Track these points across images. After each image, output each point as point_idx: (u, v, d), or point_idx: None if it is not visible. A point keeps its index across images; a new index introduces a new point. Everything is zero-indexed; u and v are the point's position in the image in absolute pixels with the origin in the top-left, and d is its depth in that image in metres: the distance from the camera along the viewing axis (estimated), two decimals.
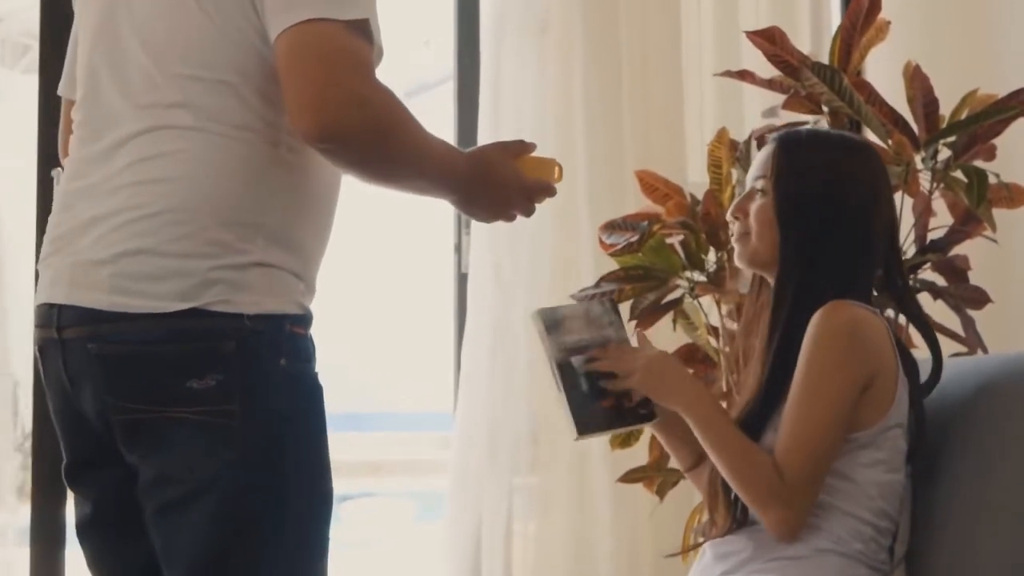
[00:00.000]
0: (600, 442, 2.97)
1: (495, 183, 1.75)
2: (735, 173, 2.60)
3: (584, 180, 3.11)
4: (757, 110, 3.18)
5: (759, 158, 2.09)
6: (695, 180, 3.21)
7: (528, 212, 1.81)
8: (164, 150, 1.60)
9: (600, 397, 1.98)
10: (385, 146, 1.58)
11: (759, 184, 2.06)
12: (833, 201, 2.01)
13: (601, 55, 3.15)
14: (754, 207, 2.06)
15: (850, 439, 1.93)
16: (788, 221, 2.01)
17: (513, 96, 3.11)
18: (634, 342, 2.06)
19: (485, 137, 3.09)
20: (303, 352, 1.65)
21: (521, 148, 1.82)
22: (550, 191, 1.82)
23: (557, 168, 1.81)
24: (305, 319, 1.66)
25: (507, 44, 3.15)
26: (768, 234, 2.02)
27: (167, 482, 1.60)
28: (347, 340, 4.94)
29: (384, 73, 1.62)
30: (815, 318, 1.93)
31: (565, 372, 1.95)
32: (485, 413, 3.10)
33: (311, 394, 1.65)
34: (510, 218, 1.81)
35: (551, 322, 1.98)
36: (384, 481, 5.69)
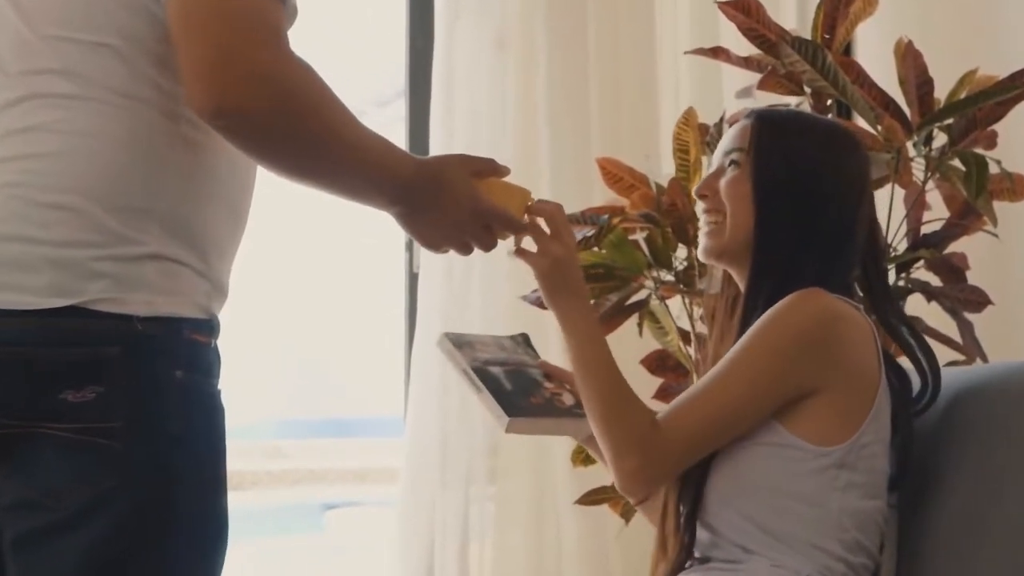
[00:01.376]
0: (564, 454, 2.71)
1: (447, 201, 1.53)
2: (704, 160, 2.33)
3: (546, 170, 2.85)
4: (734, 91, 2.90)
5: (732, 131, 1.84)
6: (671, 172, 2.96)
7: (486, 244, 1.60)
8: (37, 122, 1.39)
9: (528, 395, 1.80)
10: (292, 129, 1.38)
11: (733, 156, 1.82)
12: (818, 192, 1.77)
13: (566, 32, 2.88)
14: (724, 182, 1.81)
15: (819, 455, 1.67)
16: (767, 203, 1.78)
17: (467, 75, 2.85)
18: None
19: (437, 120, 2.84)
20: (204, 364, 1.45)
21: (488, 167, 1.60)
22: (514, 226, 1.61)
23: (528, 201, 1.64)
24: (209, 325, 1.46)
25: (463, 22, 2.89)
26: (742, 214, 1.79)
27: (30, 509, 1.37)
28: (327, 342, 4.77)
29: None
30: (784, 299, 1.69)
31: (483, 374, 1.77)
32: (437, 420, 2.88)
33: (210, 413, 1.46)
34: (463, 248, 1.60)
35: (460, 342, 1.81)
36: (371, 489, 5.47)
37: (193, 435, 1.42)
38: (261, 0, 1.34)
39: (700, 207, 1.85)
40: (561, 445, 2.80)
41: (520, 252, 1.72)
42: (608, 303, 2.39)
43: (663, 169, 2.97)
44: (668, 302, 2.46)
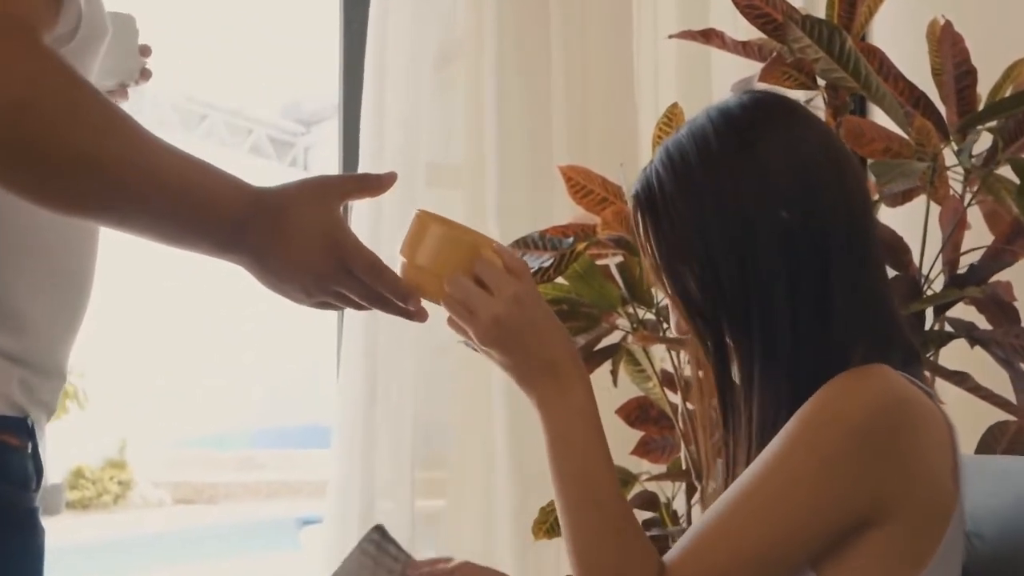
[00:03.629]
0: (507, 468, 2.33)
1: (293, 239, 1.14)
2: None
3: (493, 181, 2.36)
4: (729, 84, 2.43)
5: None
6: None
7: (365, 297, 1.18)
8: None
9: None
10: (34, 148, 1.06)
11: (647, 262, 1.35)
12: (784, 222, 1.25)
13: (522, 9, 2.40)
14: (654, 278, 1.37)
15: None
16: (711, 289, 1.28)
17: (404, 69, 2.37)
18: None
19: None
20: (16, 473, 1.22)
21: (356, 187, 1.22)
22: (383, 279, 1.16)
23: (480, 253, 1.20)
24: (21, 425, 1.23)
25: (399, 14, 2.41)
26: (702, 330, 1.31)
27: None
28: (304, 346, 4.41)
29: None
30: (835, 383, 1.19)
31: None
32: (366, 429, 2.48)
33: (25, 536, 1.23)
34: (335, 299, 1.19)
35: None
36: None
37: (2, 564, 1.19)
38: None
39: None
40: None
41: (450, 323, 1.24)
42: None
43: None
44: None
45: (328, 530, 2.53)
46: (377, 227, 2.41)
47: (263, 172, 12.97)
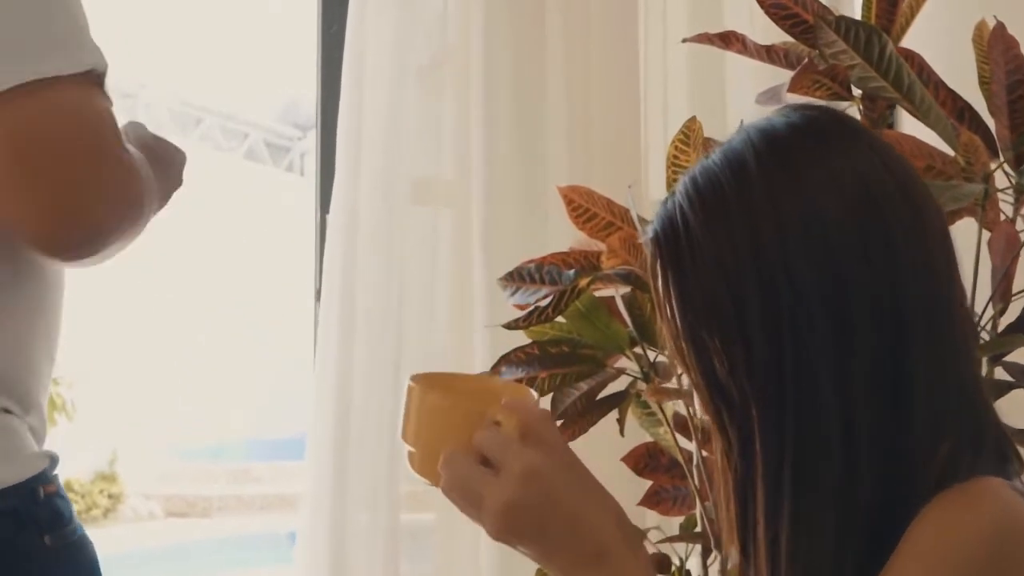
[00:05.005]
0: None
1: None
2: None
3: (481, 197, 2.12)
4: (747, 96, 2.19)
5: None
6: (660, 191, 2.27)
7: None
8: None
9: None
10: (136, 229, 1.26)
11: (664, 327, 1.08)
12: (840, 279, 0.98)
13: (518, 12, 2.16)
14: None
15: None
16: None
17: (385, 70, 2.14)
18: None
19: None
20: (64, 515, 1.32)
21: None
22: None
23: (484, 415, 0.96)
24: (53, 468, 1.33)
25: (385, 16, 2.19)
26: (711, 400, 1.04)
27: None
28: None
29: None
30: (939, 512, 0.93)
31: None
32: (336, 439, 2.25)
33: (88, 564, 1.34)
34: None
35: None
36: None
37: None
38: (97, 123, 1.16)
39: None
40: None
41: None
42: (573, 395, 1.68)
43: (651, 194, 2.28)
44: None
45: (300, 545, 2.33)
46: (352, 248, 2.18)
47: (259, 177, 12.77)
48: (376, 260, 2.17)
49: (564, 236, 2.00)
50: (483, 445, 0.94)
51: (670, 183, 1.62)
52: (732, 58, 1.96)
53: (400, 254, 2.21)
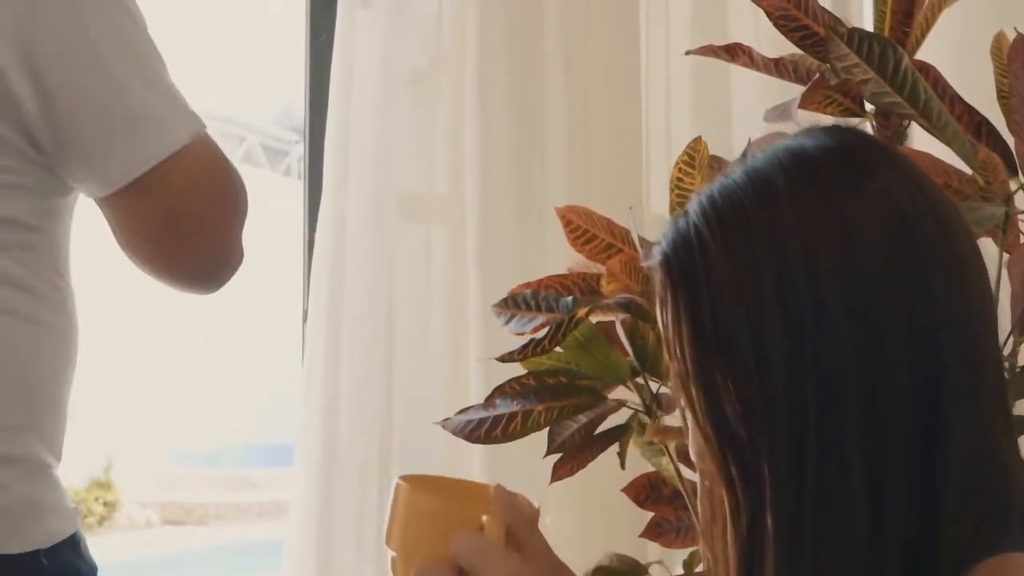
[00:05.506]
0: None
1: None
2: None
3: (475, 214, 2.04)
4: (753, 109, 2.10)
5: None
6: (660, 212, 2.19)
7: None
8: None
9: None
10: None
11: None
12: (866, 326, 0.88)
13: (514, 24, 2.07)
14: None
15: None
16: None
17: (374, 86, 2.06)
18: None
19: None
20: (92, 562, 1.37)
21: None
22: None
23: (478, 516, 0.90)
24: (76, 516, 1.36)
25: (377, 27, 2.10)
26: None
27: None
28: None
29: None
30: None
31: None
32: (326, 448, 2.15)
33: None
34: None
35: None
36: None
37: None
38: (222, 169, 1.28)
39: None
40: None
41: None
42: (571, 428, 1.59)
43: (653, 209, 2.20)
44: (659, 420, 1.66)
45: (287, 554, 2.26)
46: (340, 268, 2.09)
47: (256, 181, 12.69)
48: (365, 280, 2.08)
49: (562, 254, 1.91)
50: (461, 554, 0.87)
51: (674, 207, 1.53)
52: (736, 71, 1.88)
53: (390, 274, 2.11)
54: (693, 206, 0.93)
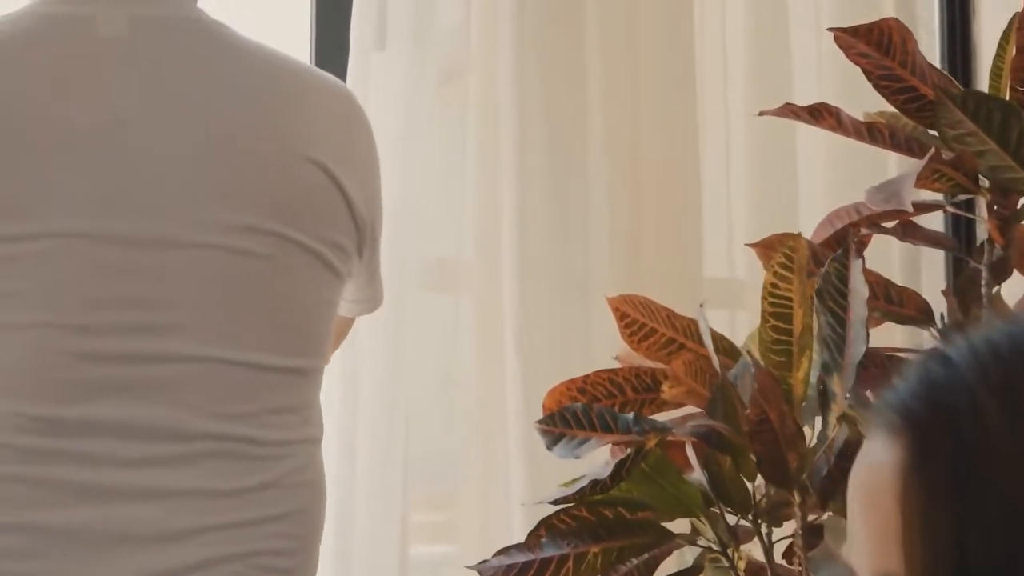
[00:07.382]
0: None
1: None
2: (816, 322, 1.24)
3: (513, 290, 1.76)
4: (834, 186, 1.83)
5: (856, 495, 0.68)
6: (713, 275, 1.94)
7: None
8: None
9: None
10: None
11: None
12: None
13: (550, 88, 1.80)
14: None
15: None
16: None
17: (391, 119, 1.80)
18: None
19: None
20: None
21: None
22: None
23: None
24: None
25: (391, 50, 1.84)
26: None
27: None
28: None
29: None
30: None
31: None
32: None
33: None
34: None
35: None
36: None
37: None
38: None
39: None
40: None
41: None
42: (626, 567, 1.32)
43: (704, 272, 1.94)
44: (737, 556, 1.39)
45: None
46: (352, 346, 1.81)
47: None
48: (380, 362, 1.80)
49: (607, 330, 1.64)
50: None
51: (766, 317, 1.25)
52: (811, 130, 1.59)
53: (411, 353, 1.83)
54: (962, 364, 0.65)
